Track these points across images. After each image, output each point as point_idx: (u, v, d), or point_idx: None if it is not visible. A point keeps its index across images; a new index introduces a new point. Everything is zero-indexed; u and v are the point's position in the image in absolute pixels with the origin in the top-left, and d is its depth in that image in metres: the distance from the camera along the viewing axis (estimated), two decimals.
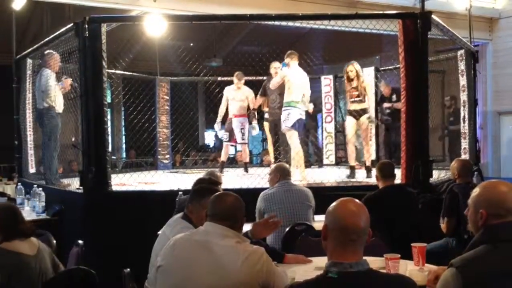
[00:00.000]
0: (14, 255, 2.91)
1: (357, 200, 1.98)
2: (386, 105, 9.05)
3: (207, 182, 3.82)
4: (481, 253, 1.91)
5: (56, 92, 6.15)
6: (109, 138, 5.80)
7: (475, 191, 2.06)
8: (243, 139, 8.24)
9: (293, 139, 6.65)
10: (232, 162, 11.41)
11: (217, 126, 8.33)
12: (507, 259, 1.88)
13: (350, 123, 6.91)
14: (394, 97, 8.88)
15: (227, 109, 8.26)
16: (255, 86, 9.38)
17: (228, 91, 8.26)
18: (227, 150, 8.57)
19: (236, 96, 8.18)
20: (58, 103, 6.22)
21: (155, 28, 7.31)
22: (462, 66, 7.72)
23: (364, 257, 1.89)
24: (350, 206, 1.94)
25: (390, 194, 4.28)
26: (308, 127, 9.25)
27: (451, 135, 9.01)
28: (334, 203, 1.97)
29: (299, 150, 6.66)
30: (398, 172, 5.75)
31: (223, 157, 8.32)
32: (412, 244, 2.96)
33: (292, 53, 6.74)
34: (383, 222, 3.53)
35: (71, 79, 6.17)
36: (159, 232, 3.05)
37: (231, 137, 8.28)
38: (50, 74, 6.21)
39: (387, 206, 4.06)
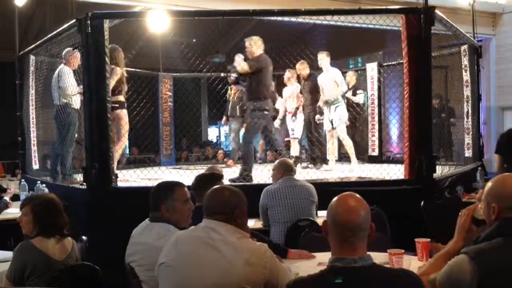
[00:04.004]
0: (42, 255, 2.92)
1: (357, 196, 1.96)
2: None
3: (208, 177, 3.83)
4: (497, 246, 1.91)
5: (74, 90, 6.16)
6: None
7: (487, 186, 2.07)
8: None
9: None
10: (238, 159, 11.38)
11: None
12: None
13: None
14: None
15: None
16: None
17: None
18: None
19: None
20: (75, 99, 6.23)
21: (158, 24, 7.31)
22: (465, 61, 7.69)
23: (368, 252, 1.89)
24: (345, 202, 1.93)
25: None
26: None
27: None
28: (333, 199, 1.97)
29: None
30: (391, 168, 5.80)
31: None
32: (416, 240, 2.95)
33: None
34: None
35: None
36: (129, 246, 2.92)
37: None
38: (68, 72, 6.21)
39: None
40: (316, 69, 8.12)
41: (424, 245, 2.91)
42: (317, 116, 7.99)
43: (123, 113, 6.28)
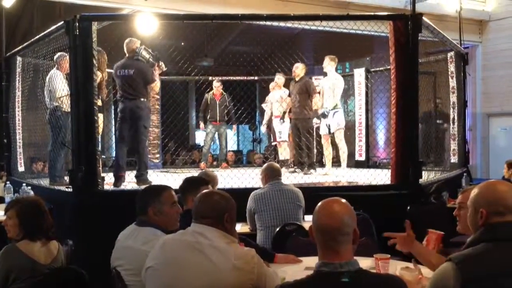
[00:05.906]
0: (27, 259, 2.89)
1: (341, 200, 1.96)
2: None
3: (195, 180, 3.82)
4: (481, 251, 1.92)
5: (62, 93, 6.10)
6: (99, 136, 5.78)
7: (474, 192, 2.08)
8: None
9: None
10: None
11: None
12: (507, 258, 1.90)
13: None
14: None
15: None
16: (246, 86, 9.37)
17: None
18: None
19: None
20: (65, 102, 6.18)
21: (146, 27, 7.28)
22: (452, 68, 7.77)
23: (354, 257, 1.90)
24: (327, 206, 1.94)
25: None
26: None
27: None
28: (318, 203, 1.97)
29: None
30: (377, 174, 5.84)
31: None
32: (429, 230, 2.94)
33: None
34: None
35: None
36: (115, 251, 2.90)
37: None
38: (58, 75, 6.15)
39: None
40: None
41: (437, 237, 2.90)
42: (315, 120, 8.00)
43: (99, 117, 6.16)
